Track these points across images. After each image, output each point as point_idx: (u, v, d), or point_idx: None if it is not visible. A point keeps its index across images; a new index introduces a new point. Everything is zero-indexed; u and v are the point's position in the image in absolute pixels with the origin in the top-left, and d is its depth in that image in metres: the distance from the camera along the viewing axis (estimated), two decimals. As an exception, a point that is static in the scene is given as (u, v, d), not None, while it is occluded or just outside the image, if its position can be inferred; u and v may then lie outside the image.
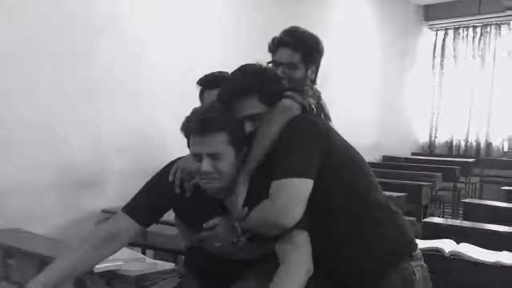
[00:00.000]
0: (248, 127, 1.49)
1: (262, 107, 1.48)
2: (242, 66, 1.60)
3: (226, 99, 1.49)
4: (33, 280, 1.40)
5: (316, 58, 1.88)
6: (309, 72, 1.85)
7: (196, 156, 1.42)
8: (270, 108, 1.48)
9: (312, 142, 1.44)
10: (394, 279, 1.47)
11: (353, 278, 1.48)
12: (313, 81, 1.91)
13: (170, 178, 1.54)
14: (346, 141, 1.57)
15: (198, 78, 1.95)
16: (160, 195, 1.58)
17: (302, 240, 1.40)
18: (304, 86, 1.72)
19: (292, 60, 1.81)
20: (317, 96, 1.70)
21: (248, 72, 1.54)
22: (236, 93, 1.48)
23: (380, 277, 1.46)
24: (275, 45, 1.86)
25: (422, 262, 1.54)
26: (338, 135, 1.57)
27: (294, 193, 1.35)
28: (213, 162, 1.41)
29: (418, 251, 1.55)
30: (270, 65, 1.80)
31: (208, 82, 1.92)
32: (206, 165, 1.40)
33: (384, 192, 1.59)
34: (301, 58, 1.81)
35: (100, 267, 1.81)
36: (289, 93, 1.54)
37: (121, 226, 1.55)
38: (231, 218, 1.48)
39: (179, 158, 1.62)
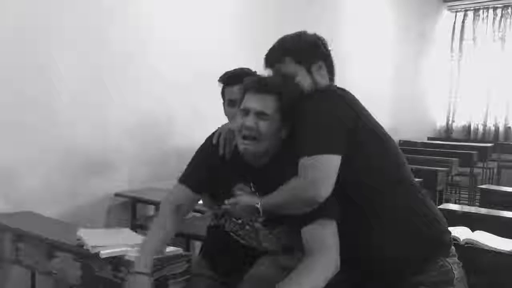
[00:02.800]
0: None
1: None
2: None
3: None
4: (136, 265, 1.53)
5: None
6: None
7: (244, 111, 1.50)
8: None
9: (339, 116, 1.42)
10: (433, 276, 1.44)
11: (390, 274, 1.45)
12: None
13: (214, 141, 1.66)
14: (373, 117, 1.59)
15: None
16: (206, 162, 1.68)
17: (331, 230, 1.39)
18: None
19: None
20: None
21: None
22: None
23: (418, 274, 1.43)
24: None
25: (457, 259, 1.50)
26: (366, 110, 1.56)
27: (324, 169, 1.36)
28: (257, 120, 1.47)
29: (452, 247, 1.51)
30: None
31: (229, 79, 1.92)
32: (250, 120, 1.48)
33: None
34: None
35: (106, 252, 1.81)
36: None
37: (182, 196, 1.70)
38: (255, 196, 1.51)
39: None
